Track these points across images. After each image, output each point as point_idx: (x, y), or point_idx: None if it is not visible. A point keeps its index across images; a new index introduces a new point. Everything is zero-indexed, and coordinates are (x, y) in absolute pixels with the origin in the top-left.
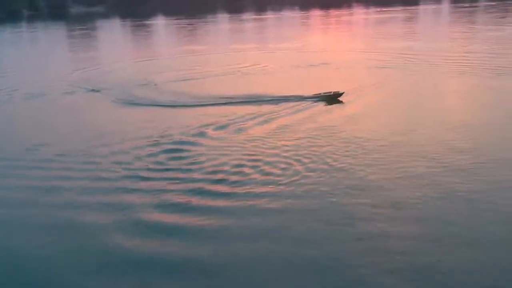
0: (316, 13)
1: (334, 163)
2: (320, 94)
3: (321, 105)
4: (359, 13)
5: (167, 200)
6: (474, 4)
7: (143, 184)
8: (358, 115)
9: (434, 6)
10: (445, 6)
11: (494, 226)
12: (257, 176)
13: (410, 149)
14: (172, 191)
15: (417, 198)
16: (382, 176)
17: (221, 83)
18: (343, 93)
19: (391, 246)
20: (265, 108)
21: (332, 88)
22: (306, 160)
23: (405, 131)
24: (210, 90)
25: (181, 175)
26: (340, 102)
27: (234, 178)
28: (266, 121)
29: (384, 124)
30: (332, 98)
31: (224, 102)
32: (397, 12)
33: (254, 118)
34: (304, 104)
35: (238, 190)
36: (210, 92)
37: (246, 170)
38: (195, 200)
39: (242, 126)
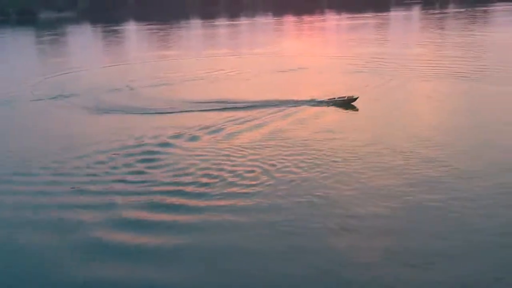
0: (289, 19)
1: (300, 174)
2: (334, 98)
3: (292, 113)
4: (332, 19)
5: (126, 216)
6: (443, 11)
7: (99, 199)
8: (335, 122)
9: (404, 13)
10: (416, 13)
11: (462, 237)
12: (221, 188)
13: (378, 159)
14: (130, 205)
15: (382, 209)
16: (348, 187)
17: (195, 89)
18: (357, 98)
19: (356, 259)
20: (242, 113)
21: (339, 93)
22: (272, 171)
23: (377, 139)
24: (183, 96)
25: (142, 188)
26: (354, 107)
27: (198, 190)
28: (244, 128)
29: (358, 131)
30: (346, 103)
31: (198, 108)
32: (369, 19)
33: (230, 123)
34: (284, 110)
35: (201, 203)
36: (182, 98)
37: (211, 180)
38: (155, 215)
39: (215, 130)
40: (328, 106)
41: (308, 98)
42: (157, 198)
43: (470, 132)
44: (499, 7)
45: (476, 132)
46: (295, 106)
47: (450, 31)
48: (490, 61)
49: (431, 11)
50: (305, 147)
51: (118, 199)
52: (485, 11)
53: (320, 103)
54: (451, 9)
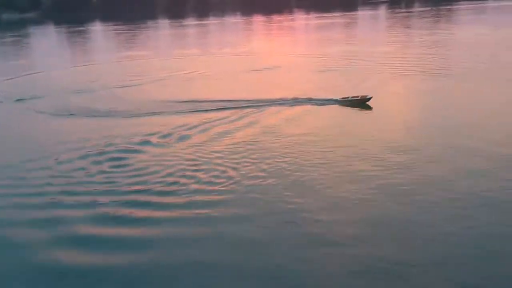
0: (258, 19)
1: (274, 169)
2: (348, 98)
3: (260, 110)
4: (301, 19)
5: (99, 213)
6: (409, 10)
7: (75, 199)
8: (306, 116)
9: (371, 12)
10: (382, 12)
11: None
12: (183, 197)
13: (352, 150)
14: (104, 204)
15: (356, 199)
16: (322, 179)
17: (164, 90)
18: (371, 97)
19: (332, 249)
20: (212, 115)
21: (354, 93)
22: (244, 166)
23: (349, 132)
24: (151, 97)
25: (114, 188)
26: (368, 106)
27: (170, 188)
28: (206, 129)
29: (328, 126)
30: (360, 103)
31: (168, 110)
32: (337, 18)
33: (200, 126)
34: (252, 109)
35: (161, 214)
36: (151, 100)
37: (182, 180)
38: (126, 212)
39: (184, 134)
40: (340, 105)
41: (308, 97)
42: (112, 210)
43: (439, 133)
44: (462, 6)
45: (444, 133)
46: (272, 105)
47: (416, 30)
48: (456, 58)
49: (397, 10)
50: (273, 152)
51: (95, 198)
52: (449, 10)
53: (328, 101)
54: (417, 8)
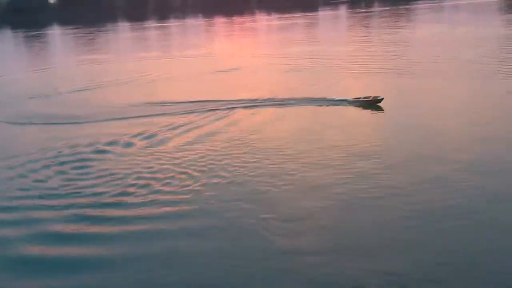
0: (220, 20)
1: (236, 176)
2: (359, 98)
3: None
4: (262, 20)
5: (51, 230)
6: (369, 10)
7: (22, 215)
8: (270, 122)
9: (332, 12)
10: (343, 12)
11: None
12: (146, 197)
13: (315, 157)
14: (57, 219)
15: (317, 208)
16: (284, 187)
17: (126, 93)
18: (382, 98)
19: (291, 260)
20: (176, 118)
21: (364, 93)
22: (204, 174)
23: (312, 137)
24: (113, 101)
25: (69, 200)
26: (380, 107)
27: (125, 200)
28: (169, 135)
29: (293, 130)
30: (371, 104)
31: (130, 114)
32: (298, 18)
33: (164, 129)
34: (217, 113)
35: (125, 213)
36: (113, 104)
37: (137, 191)
38: (78, 228)
39: (148, 139)
40: (350, 106)
41: (322, 97)
42: (80, 211)
43: (404, 130)
44: (420, 5)
45: (405, 130)
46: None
47: (377, 29)
48: (414, 57)
49: (357, 10)
50: (237, 149)
51: (36, 214)
52: (407, 9)
53: (340, 102)
54: (376, 8)
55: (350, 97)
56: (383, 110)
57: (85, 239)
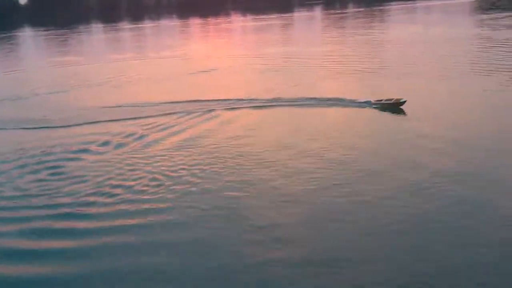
0: (195, 22)
1: (209, 184)
2: (381, 101)
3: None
4: (238, 21)
5: (31, 226)
6: (344, 11)
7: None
8: (254, 124)
9: (307, 13)
10: (318, 13)
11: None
12: (117, 205)
13: (297, 149)
14: (35, 217)
15: (295, 193)
16: (254, 196)
17: (101, 96)
18: (405, 101)
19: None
20: (152, 120)
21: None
22: (175, 182)
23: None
24: (88, 104)
25: (46, 201)
26: (402, 110)
27: (94, 210)
28: (146, 135)
29: (269, 135)
30: (394, 106)
31: (106, 117)
32: (274, 20)
33: (140, 131)
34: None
35: (94, 224)
36: (88, 106)
37: (116, 190)
38: (61, 224)
39: (123, 141)
40: (372, 108)
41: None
42: (45, 223)
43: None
44: (394, 6)
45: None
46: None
47: (351, 30)
48: (390, 56)
49: (332, 11)
50: (212, 155)
51: (29, 212)
52: (381, 10)
53: (363, 104)
54: (351, 9)
55: (372, 99)
56: (405, 114)
57: (40, 256)
